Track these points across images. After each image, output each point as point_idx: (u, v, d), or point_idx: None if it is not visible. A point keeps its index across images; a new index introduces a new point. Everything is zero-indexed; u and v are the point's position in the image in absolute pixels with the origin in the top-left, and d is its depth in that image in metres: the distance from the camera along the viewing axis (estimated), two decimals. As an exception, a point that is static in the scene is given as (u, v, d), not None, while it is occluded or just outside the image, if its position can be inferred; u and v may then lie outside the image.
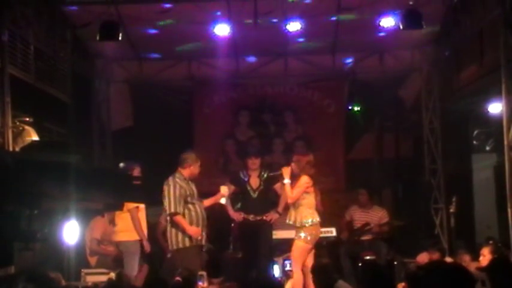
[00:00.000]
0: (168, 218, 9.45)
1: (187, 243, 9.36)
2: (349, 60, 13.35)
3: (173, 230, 9.41)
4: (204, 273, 9.26)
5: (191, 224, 9.35)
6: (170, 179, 9.41)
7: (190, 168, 9.50)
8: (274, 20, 11.25)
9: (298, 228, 9.42)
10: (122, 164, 10.09)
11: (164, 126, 13.45)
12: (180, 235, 9.35)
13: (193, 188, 9.54)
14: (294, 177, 9.56)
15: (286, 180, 9.51)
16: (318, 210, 9.67)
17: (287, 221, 9.61)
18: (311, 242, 9.40)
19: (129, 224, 10.03)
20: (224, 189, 9.91)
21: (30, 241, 6.87)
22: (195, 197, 9.53)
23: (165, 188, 9.38)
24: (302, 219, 9.37)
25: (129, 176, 8.80)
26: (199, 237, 9.43)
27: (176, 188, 9.31)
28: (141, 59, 13.30)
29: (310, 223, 9.37)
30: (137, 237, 10.10)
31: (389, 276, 6.90)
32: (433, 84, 13.26)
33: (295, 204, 9.48)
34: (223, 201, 10.07)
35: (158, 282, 7.35)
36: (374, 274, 6.74)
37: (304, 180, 9.44)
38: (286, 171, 9.54)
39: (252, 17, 10.66)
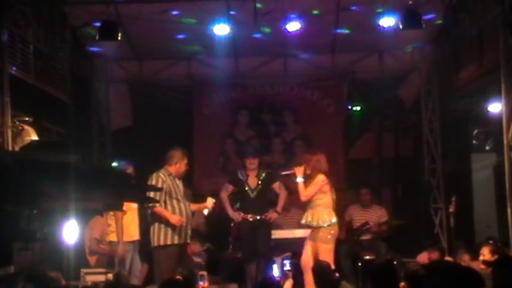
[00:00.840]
0: (150, 212, 9.42)
1: (169, 241, 9.31)
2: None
3: (155, 226, 9.37)
4: (204, 273, 9.26)
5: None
6: (154, 174, 9.40)
7: (176, 165, 9.48)
8: (274, 20, 11.24)
9: (315, 229, 9.33)
10: (114, 164, 10.11)
11: (164, 126, 13.44)
12: (162, 232, 9.31)
13: (180, 185, 9.51)
14: (308, 178, 9.44)
15: (299, 179, 9.38)
16: (335, 209, 9.51)
17: (302, 221, 9.51)
18: (332, 242, 9.33)
19: (127, 225, 10.05)
20: (210, 202, 9.83)
21: (29, 241, 6.86)
22: (181, 194, 9.49)
23: (150, 180, 9.34)
24: (319, 220, 9.31)
25: (129, 176, 8.81)
26: (182, 230, 9.33)
27: (158, 182, 9.26)
28: (141, 58, 13.30)
29: (328, 223, 9.31)
30: (129, 238, 10.13)
31: (393, 274, 6.86)
32: (432, 84, 13.27)
33: (312, 205, 9.36)
34: (205, 212, 10.03)
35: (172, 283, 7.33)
36: (378, 274, 6.74)
37: (320, 178, 9.32)
38: (299, 170, 9.41)
39: (251, 16, 10.67)
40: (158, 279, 8.88)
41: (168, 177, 9.37)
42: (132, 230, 10.24)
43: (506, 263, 6.15)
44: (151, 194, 9.16)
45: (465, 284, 4.96)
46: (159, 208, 9.27)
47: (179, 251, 9.44)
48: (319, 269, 7.80)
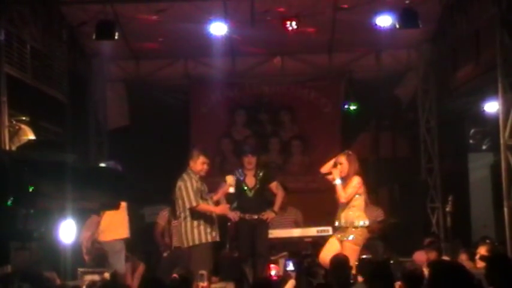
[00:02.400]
0: (182, 215, 9.46)
1: (203, 239, 9.43)
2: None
3: (188, 226, 9.46)
4: (204, 272, 9.26)
5: (206, 220, 9.45)
6: (184, 175, 9.50)
7: (191, 163, 9.59)
8: (271, 19, 11.24)
9: (346, 228, 9.22)
10: (102, 164, 10.13)
11: (160, 126, 13.44)
12: (195, 231, 9.43)
13: (204, 185, 9.67)
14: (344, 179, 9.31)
15: (338, 181, 9.26)
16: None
17: (336, 223, 9.45)
18: (360, 244, 9.28)
19: (110, 224, 10.08)
20: (230, 179, 9.96)
21: (26, 240, 6.87)
22: (206, 194, 9.65)
23: (181, 183, 9.46)
24: (353, 220, 9.22)
25: (125, 176, 8.81)
26: (215, 234, 9.52)
27: (192, 181, 9.41)
28: (138, 58, 13.29)
29: (361, 225, 9.23)
30: (120, 236, 10.17)
31: (391, 272, 6.85)
32: (429, 84, 13.27)
33: (345, 206, 9.30)
34: (231, 190, 10.07)
35: (154, 282, 7.33)
36: (374, 272, 6.72)
37: (357, 180, 9.26)
38: (336, 172, 9.29)
39: (248, 15, 10.67)
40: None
41: (196, 177, 9.51)
42: (122, 227, 10.27)
43: (498, 262, 6.18)
44: (185, 198, 9.37)
45: (461, 283, 4.97)
46: (201, 205, 9.43)
47: (212, 248, 9.60)
48: (337, 262, 7.71)
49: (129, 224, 10.47)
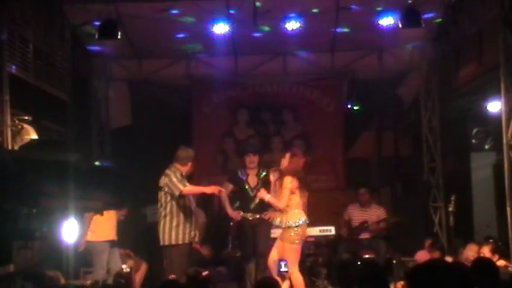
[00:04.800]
0: (162, 212, 9.42)
1: (181, 240, 9.37)
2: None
3: (166, 225, 9.40)
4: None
5: (185, 220, 9.39)
6: (167, 170, 9.45)
7: (188, 165, 9.57)
8: (273, 19, 11.24)
9: (285, 229, 9.32)
10: (97, 163, 10.16)
11: (163, 125, 13.45)
12: (173, 231, 9.37)
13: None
14: (280, 174, 9.44)
15: (267, 196, 9.41)
16: (305, 211, 9.46)
17: (274, 222, 9.53)
18: (299, 241, 9.33)
19: (94, 225, 10.14)
20: (228, 187, 10.03)
21: (29, 240, 6.88)
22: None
23: (165, 178, 9.40)
24: (289, 220, 9.30)
25: (127, 175, 8.81)
26: (193, 234, 9.45)
27: (176, 173, 9.37)
28: (140, 57, 13.28)
29: (298, 223, 9.30)
30: (102, 238, 10.30)
31: (383, 275, 6.84)
32: (432, 83, 13.26)
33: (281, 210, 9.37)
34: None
35: (170, 284, 7.32)
36: (369, 273, 6.72)
37: (288, 180, 9.31)
38: (262, 193, 9.47)
39: (250, 15, 10.67)
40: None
41: (177, 172, 9.47)
42: (106, 229, 10.30)
43: (483, 267, 6.24)
44: (172, 189, 9.30)
45: (460, 283, 4.97)
46: (188, 188, 9.38)
47: (190, 250, 9.53)
48: (341, 263, 7.71)
49: (132, 224, 10.50)
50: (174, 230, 9.36)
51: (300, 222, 9.27)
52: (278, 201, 9.32)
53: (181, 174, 9.43)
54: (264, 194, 9.47)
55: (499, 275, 6.53)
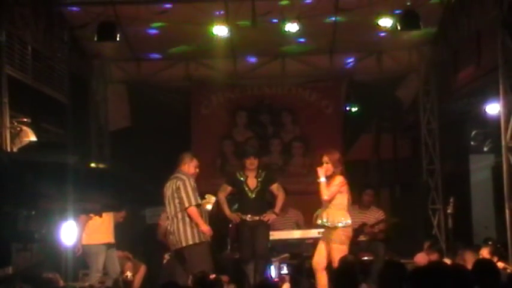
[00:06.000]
0: (179, 215, 9.45)
1: (199, 238, 9.45)
2: (350, 61, 13.36)
3: (181, 226, 9.46)
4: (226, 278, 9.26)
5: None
6: (181, 175, 9.52)
7: (185, 166, 9.65)
8: (272, 21, 11.24)
9: (329, 229, 9.30)
10: (93, 165, 10.15)
11: (162, 127, 13.45)
12: (189, 231, 9.42)
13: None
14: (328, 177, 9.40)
15: (323, 179, 9.34)
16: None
17: (318, 221, 9.52)
18: (346, 242, 9.29)
19: (90, 228, 10.13)
20: (211, 199, 10.05)
21: (27, 242, 6.86)
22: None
23: (180, 183, 9.46)
24: (335, 220, 9.28)
25: (126, 177, 8.80)
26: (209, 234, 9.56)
27: (191, 181, 9.45)
28: (139, 59, 13.28)
29: (343, 224, 9.29)
30: (96, 241, 10.30)
31: (354, 275, 6.83)
32: (430, 85, 13.27)
33: (328, 205, 9.34)
34: (208, 207, 10.08)
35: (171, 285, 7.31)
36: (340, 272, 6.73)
37: (340, 179, 9.34)
38: (321, 171, 9.42)
39: (249, 17, 10.67)
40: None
41: (190, 178, 9.55)
42: (103, 232, 10.30)
43: (484, 268, 6.25)
44: (183, 197, 9.41)
45: (460, 284, 4.98)
46: (196, 210, 9.44)
47: (209, 248, 9.63)
48: (344, 266, 7.69)
49: (130, 226, 10.49)
50: (195, 229, 9.42)
51: (348, 222, 9.28)
52: (327, 190, 9.27)
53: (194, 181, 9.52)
54: (321, 173, 9.37)
55: (500, 276, 6.54)
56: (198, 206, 9.47)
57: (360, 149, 14.43)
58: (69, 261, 10.63)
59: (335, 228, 9.25)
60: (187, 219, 9.44)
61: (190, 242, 9.44)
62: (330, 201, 9.30)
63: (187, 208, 9.40)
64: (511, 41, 9.47)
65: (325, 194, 9.29)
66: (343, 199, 9.36)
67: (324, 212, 9.35)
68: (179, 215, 9.47)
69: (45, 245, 9.04)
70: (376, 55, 13.25)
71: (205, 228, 9.45)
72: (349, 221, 9.34)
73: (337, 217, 9.26)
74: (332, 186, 9.31)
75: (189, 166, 9.63)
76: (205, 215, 9.64)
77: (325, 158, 9.47)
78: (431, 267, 4.98)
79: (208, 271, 8.49)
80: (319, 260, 9.40)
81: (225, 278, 9.46)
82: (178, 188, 9.44)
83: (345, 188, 9.38)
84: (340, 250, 9.13)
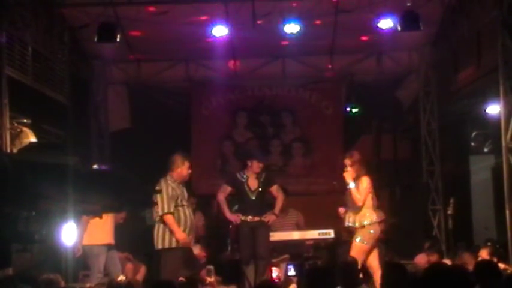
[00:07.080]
0: (158, 218, 9.44)
1: (174, 243, 9.36)
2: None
3: (160, 229, 9.41)
4: (211, 267, 9.20)
5: (185, 223, 9.39)
6: (162, 180, 9.44)
7: (178, 170, 9.51)
8: (272, 21, 11.24)
9: (356, 229, 9.35)
10: (95, 166, 10.15)
11: (162, 128, 13.44)
12: (167, 235, 9.36)
13: (184, 191, 9.59)
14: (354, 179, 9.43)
15: (352, 185, 9.37)
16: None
17: (346, 223, 9.53)
18: (369, 242, 9.32)
19: (90, 228, 10.12)
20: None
21: (28, 243, 6.87)
22: (186, 200, 9.56)
23: (159, 185, 9.37)
24: (361, 220, 9.32)
25: (126, 178, 8.80)
26: (191, 237, 9.48)
27: (169, 188, 9.34)
28: (139, 60, 13.29)
29: (368, 222, 9.31)
30: (97, 242, 10.27)
31: (329, 280, 6.83)
32: (431, 86, 13.27)
33: (355, 207, 9.39)
34: None
35: (163, 284, 7.30)
36: (313, 278, 6.73)
37: (367, 181, 9.37)
38: (348, 176, 9.41)
39: (249, 18, 10.67)
40: None
41: (174, 184, 9.44)
42: (103, 233, 10.29)
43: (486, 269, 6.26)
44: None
45: (460, 286, 4.98)
46: (170, 218, 9.33)
47: (183, 254, 9.47)
48: (345, 265, 7.70)
49: (130, 227, 10.48)
50: (167, 233, 9.36)
51: (374, 219, 9.33)
52: (358, 195, 9.29)
53: (178, 184, 9.44)
54: (348, 178, 9.38)
55: (502, 276, 6.54)
56: (171, 213, 9.35)
57: (360, 149, 14.28)
58: (69, 262, 10.62)
59: (362, 227, 9.27)
60: (158, 223, 9.42)
61: (161, 246, 9.40)
62: (362, 205, 9.28)
63: (161, 216, 9.37)
64: (511, 42, 9.48)
65: (359, 201, 9.35)
66: (369, 199, 9.42)
67: (356, 215, 9.36)
68: (158, 219, 9.47)
69: (46, 246, 9.04)
70: (376, 56, 13.26)
71: (180, 236, 9.32)
72: (375, 218, 9.33)
73: (363, 216, 9.27)
74: (362, 190, 9.33)
75: (182, 170, 9.55)
76: (190, 218, 9.53)
77: (347, 161, 9.49)
78: (432, 268, 4.98)
79: (179, 276, 8.48)
80: (368, 262, 9.39)
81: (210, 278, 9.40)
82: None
83: (371, 188, 9.43)
84: (357, 248, 9.19)
